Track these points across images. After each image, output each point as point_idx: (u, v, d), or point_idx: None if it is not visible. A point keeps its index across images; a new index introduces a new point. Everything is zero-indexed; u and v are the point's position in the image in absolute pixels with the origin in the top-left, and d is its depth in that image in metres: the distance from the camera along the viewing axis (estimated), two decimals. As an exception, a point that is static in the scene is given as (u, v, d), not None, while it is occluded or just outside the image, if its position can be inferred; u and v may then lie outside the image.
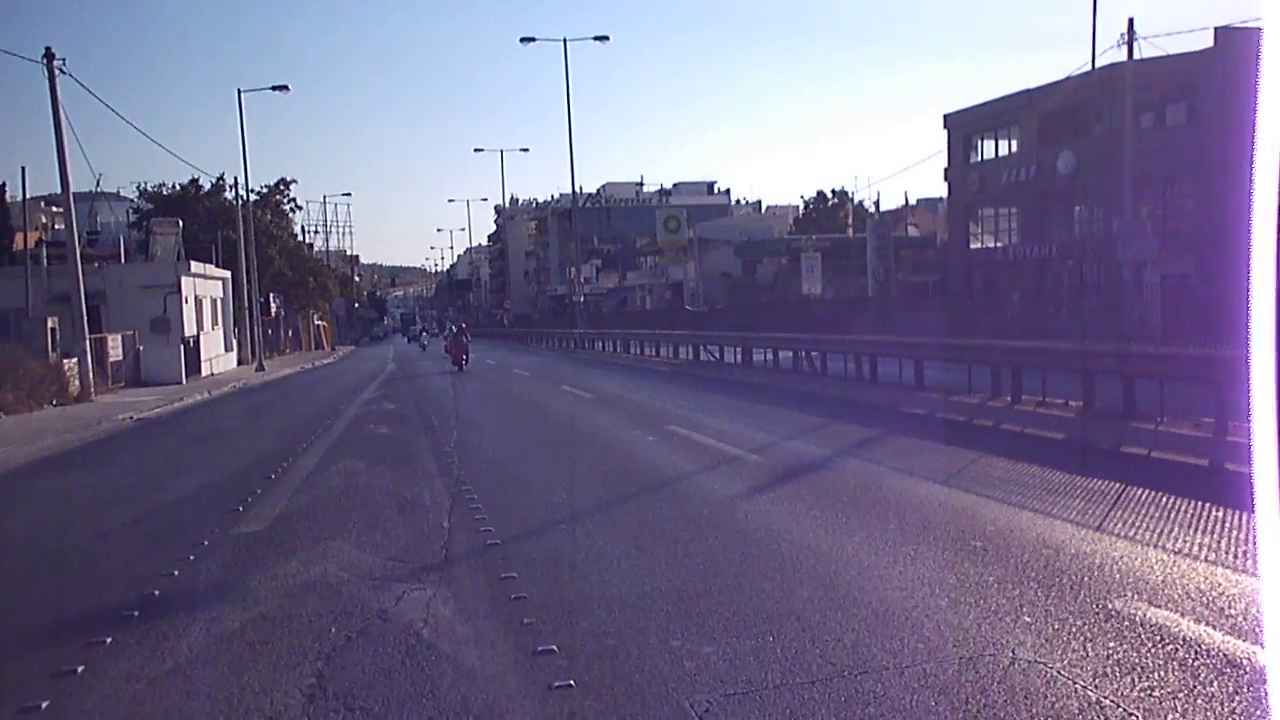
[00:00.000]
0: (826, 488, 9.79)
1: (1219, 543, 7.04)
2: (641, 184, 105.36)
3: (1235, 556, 6.65)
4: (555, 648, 5.32)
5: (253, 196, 51.91)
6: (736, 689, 4.71)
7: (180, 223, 43.99)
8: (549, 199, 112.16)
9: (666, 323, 39.23)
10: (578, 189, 63.07)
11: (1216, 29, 31.94)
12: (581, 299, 57.69)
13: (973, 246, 44.39)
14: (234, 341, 46.86)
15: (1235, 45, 29.56)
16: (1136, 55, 28.91)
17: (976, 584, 6.23)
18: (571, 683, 4.83)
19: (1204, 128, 31.94)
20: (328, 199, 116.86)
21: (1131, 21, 28.65)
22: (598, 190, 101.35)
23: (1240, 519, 7.62)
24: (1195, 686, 4.52)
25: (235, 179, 49.67)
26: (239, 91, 44.08)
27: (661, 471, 11.23)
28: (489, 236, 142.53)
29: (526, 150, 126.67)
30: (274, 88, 44.39)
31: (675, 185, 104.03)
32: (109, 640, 5.80)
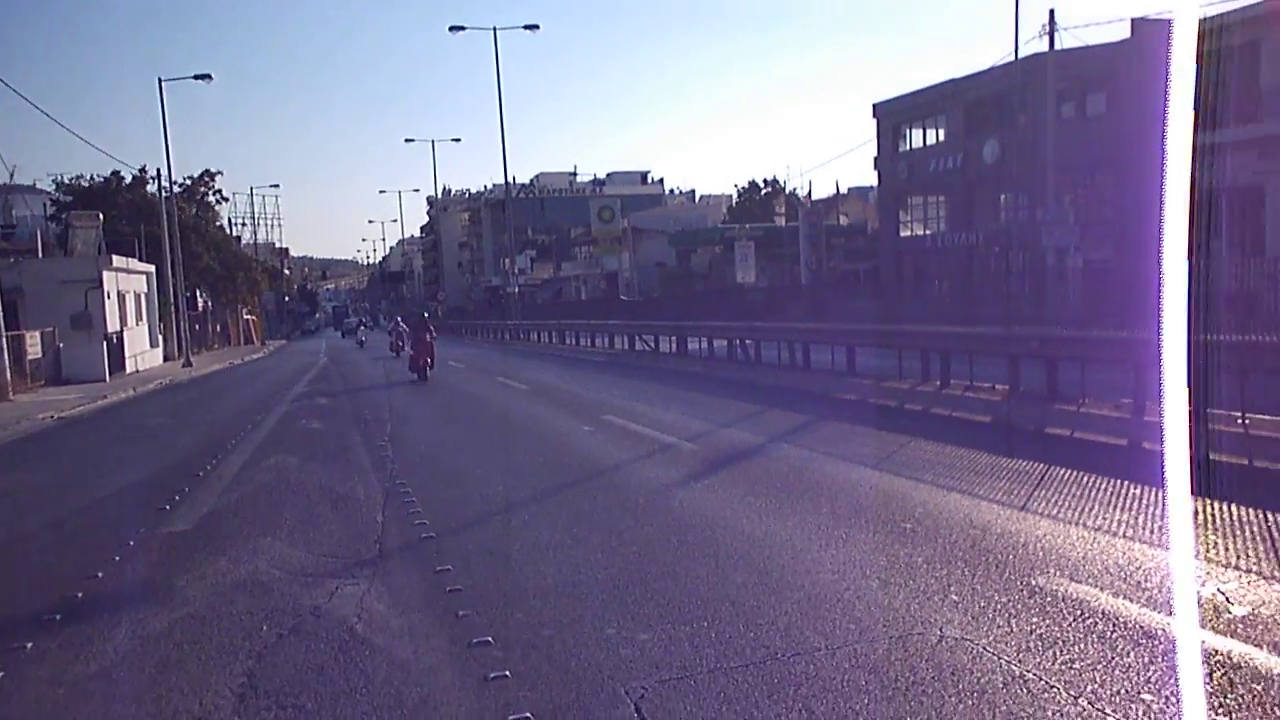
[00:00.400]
0: (761, 474, 9.89)
1: (1136, 519, 7.27)
2: (575, 174, 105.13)
3: (1151, 532, 6.88)
4: (490, 639, 5.31)
5: (176, 189, 50.69)
6: (671, 674, 4.75)
7: (101, 216, 42.72)
8: (482, 189, 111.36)
9: (602, 313, 39.18)
10: (511, 179, 62.59)
11: (1133, 20, 32.76)
12: (516, 290, 57.33)
13: (903, 234, 45.03)
14: (160, 337, 45.70)
15: (1150, 36, 30.34)
16: (1057, 46, 29.56)
17: (906, 565, 6.35)
18: (507, 673, 4.83)
19: (1122, 117, 32.76)
20: (255, 191, 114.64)
21: (1052, 13, 29.31)
22: (531, 180, 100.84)
23: (1156, 496, 7.88)
24: (1113, 658, 4.67)
25: (158, 171, 48.36)
26: (159, 80, 42.96)
27: (597, 461, 11.24)
28: (422, 228, 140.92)
29: (458, 140, 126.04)
30: (196, 77, 43.27)
31: (609, 175, 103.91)
32: (29, 646, 5.65)
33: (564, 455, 11.83)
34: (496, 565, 6.98)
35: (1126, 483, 8.47)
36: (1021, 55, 31.55)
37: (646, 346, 30.72)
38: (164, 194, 46.74)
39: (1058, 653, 4.76)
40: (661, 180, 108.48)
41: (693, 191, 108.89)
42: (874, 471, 9.74)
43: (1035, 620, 5.22)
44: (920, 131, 43.88)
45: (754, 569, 6.48)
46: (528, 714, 4.37)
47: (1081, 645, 4.84)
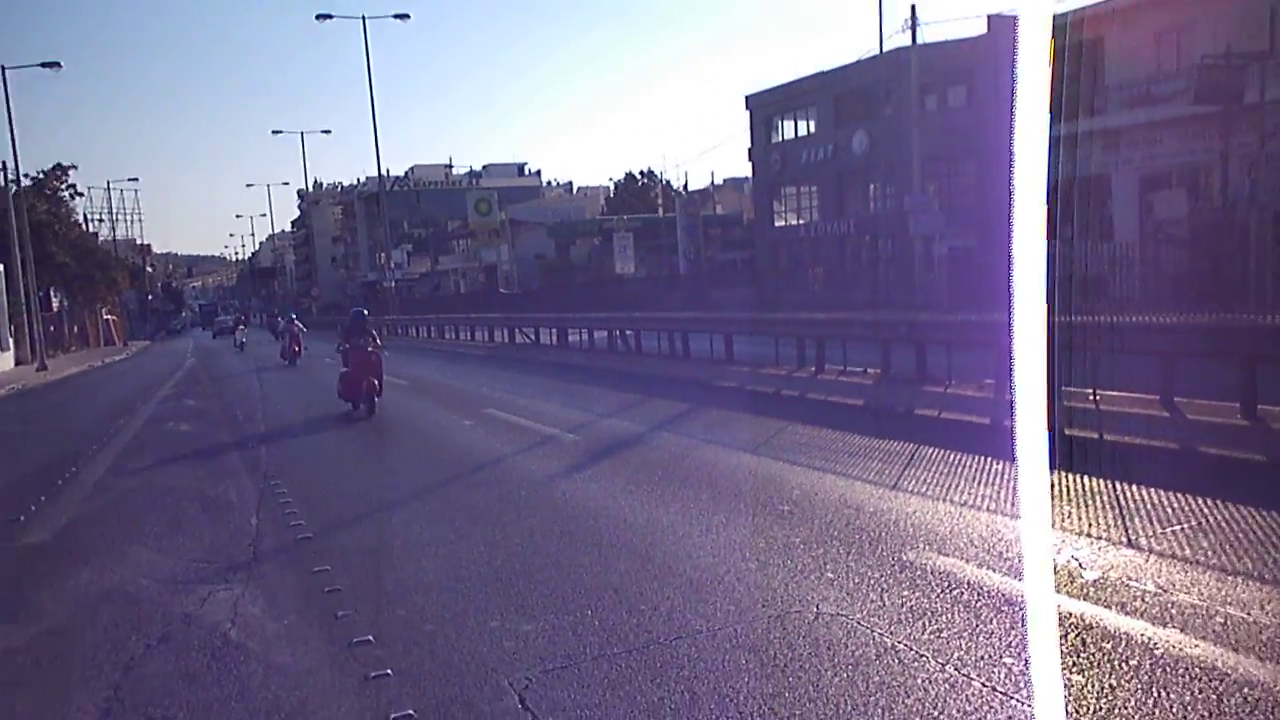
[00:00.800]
0: (642, 462, 9.98)
1: (998, 494, 7.62)
2: (451, 166, 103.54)
3: (1012, 505, 7.22)
4: (371, 638, 5.23)
5: (26, 183, 47.94)
6: (555, 664, 4.77)
7: (-60, 213, 40.12)
8: (356, 183, 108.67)
9: (481, 306, 38.83)
10: (385, 172, 61.40)
11: (989, 16, 34.12)
12: (393, 284, 56.33)
13: (777, 224, 45.91)
14: (10, 341, 43.23)
15: (1006, 32, 31.67)
16: (920, 40, 30.60)
17: (784, 546, 6.51)
18: (389, 671, 4.77)
19: (980, 109, 34.09)
20: (113, 185, 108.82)
21: (914, 8, 30.36)
22: (405, 173, 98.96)
23: (1016, 471, 8.26)
24: (978, 625, 4.90)
25: (3, 165, 45.51)
26: (2, 68, 40.54)
27: (478, 455, 11.15)
28: (293, 222, 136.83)
29: (328, 132, 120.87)
30: (44, 64, 40.96)
31: (485, 167, 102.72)
32: None
33: (445, 450, 11.70)
34: (377, 563, 6.87)
35: (990, 459, 8.86)
36: (886, 49, 32.57)
37: (527, 339, 30.60)
38: (11, 189, 44.14)
39: (927, 623, 4.96)
40: (539, 172, 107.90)
41: (570, 183, 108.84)
42: (752, 456, 9.93)
43: (906, 593, 5.42)
44: (792, 123, 44.75)
45: (637, 556, 6.54)
46: (410, 711, 4.33)
47: (949, 615, 5.05)
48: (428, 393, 19.27)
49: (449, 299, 57.15)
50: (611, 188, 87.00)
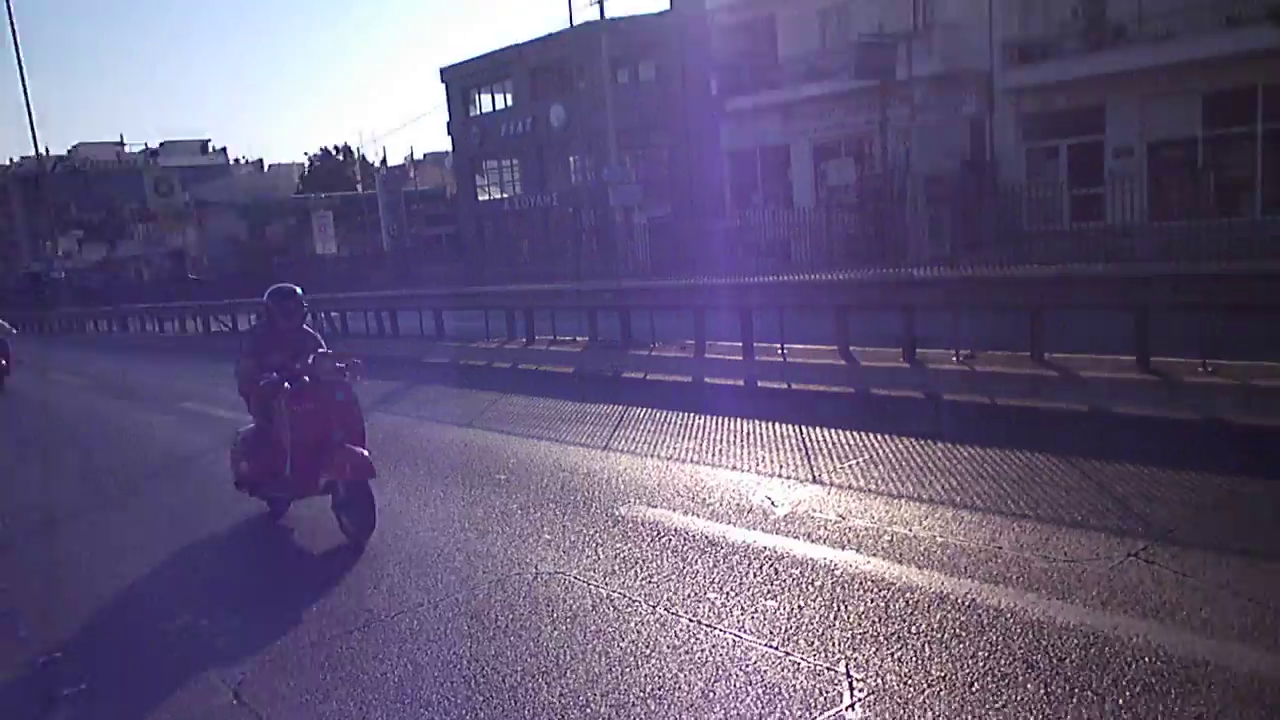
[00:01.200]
0: (355, 445, 9.75)
1: (701, 446, 8.13)
2: (123, 143, 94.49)
3: (714, 455, 7.75)
4: (61, 655, 4.85)
5: None
6: (272, 655, 4.64)
7: None
8: (8, 163, 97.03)
9: (169, 294, 36.00)
10: (44, 150, 55.28)
11: (671, -8, 35.51)
12: (62, 275, 51.10)
13: (481, 198, 45.72)
14: None
15: (687, 6, 33.14)
16: (609, 15, 31.35)
17: (502, 513, 6.64)
18: (83, 686, 4.46)
19: (668, 82, 35.53)
20: None
21: (601, -18, 30.89)
22: (69, 151, 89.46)
23: (717, 424, 8.86)
24: (684, 567, 5.25)
25: None
26: None
27: (176, 452, 10.46)
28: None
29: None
30: None
31: (163, 145, 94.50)
32: None
33: (139, 450, 10.88)
34: (66, 577, 6.33)
35: (692, 415, 9.41)
36: (576, 22, 33.17)
37: (224, 327, 28.80)
38: None
39: (638, 571, 5.26)
40: (224, 150, 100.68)
41: (260, 161, 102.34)
42: (468, 430, 9.98)
43: (619, 545, 5.71)
44: (490, 96, 44.61)
45: (353, 539, 6.43)
46: (114, 724, 4.09)
47: (658, 562, 5.39)
48: (116, 390, 17.76)
49: (130, 288, 52.47)
50: (307, 165, 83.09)
